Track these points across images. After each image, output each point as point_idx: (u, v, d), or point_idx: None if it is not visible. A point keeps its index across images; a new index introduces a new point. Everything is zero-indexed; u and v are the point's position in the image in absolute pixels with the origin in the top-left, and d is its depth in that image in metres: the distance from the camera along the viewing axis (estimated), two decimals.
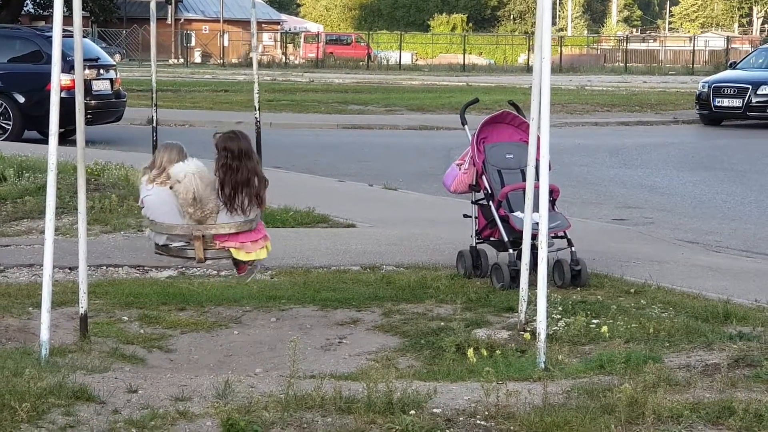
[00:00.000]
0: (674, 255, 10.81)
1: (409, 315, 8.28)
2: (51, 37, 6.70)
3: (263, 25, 75.05)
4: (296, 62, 71.06)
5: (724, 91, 28.32)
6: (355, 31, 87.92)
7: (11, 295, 8.46)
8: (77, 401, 5.47)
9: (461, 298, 8.59)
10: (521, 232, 8.05)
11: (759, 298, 8.53)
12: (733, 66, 32.21)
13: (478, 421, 5.42)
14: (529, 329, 7.32)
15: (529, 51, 63.52)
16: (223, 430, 5.17)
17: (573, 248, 9.07)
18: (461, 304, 8.44)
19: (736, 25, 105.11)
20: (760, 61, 30.47)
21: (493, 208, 9.25)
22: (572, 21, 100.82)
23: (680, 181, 17.52)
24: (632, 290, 8.77)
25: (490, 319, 8.03)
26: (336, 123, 27.34)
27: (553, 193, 8.88)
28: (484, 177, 9.36)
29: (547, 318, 6.75)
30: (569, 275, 8.96)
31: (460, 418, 5.44)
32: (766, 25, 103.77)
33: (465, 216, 9.66)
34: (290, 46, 76.68)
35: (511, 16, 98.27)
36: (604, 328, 7.32)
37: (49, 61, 8.82)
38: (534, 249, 7.32)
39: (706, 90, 28.69)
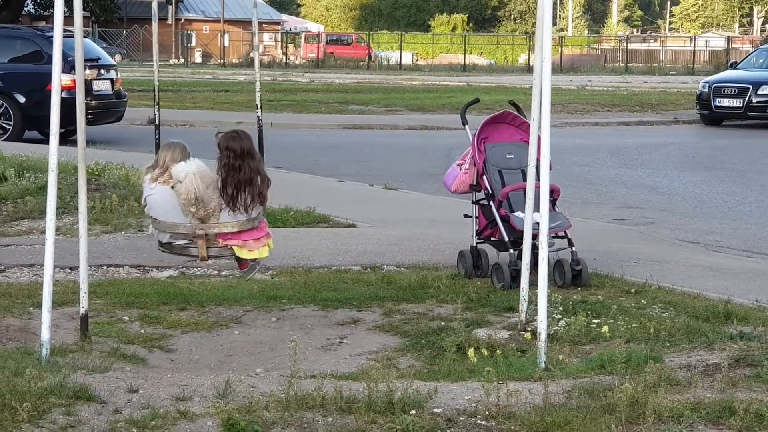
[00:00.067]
0: (675, 255, 10.81)
1: (410, 315, 8.28)
2: (51, 37, 6.71)
3: (264, 25, 75.04)
4: (297, 62, 71.09)
5: (724, 91, 28.32)
6: (355, 31, 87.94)
7: (12, 294, 8.46)
8: (78, 401, 5.48)
9: (462, 298, 8.59)
10: (522, 232, 8.05)
11: (760, 298, 8.53)
12: (733, 66, 32.21)
13: (478, 421, 5.42)
14: (529, 329, 7.32)
15: (529, 51, 63.52)
16: (224, 429, 5.18)
17: (573, 248, 9.07)
18: (462, 304, 8.44)
19: (736, 25, 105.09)
20: (761, 61, 30.47)
21: (493, 208, 9.25)
22: (573, 21, 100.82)
23: (681, 181, 17.52)
24: (633, 290, 8.77)
25: (490, 319, 8.03)
26: (336, 123, 27.35)
27: (553, 193, 8.88)
28: (484, 177, 9.37)
29: (548, 318, 6.75)
30: (570, 275, 8.96)
31: (461, 418, 5.45)
32: (766, 25, 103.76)
33: (465, 216, 9.66)
34: (291, 46, 76.73)
35: (512, 16, 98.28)
36: (605, 328, 7.32)
37: (49, 61, 8.78)
38: (535, 249, 7.32)
39: (706, 90, 28.69)
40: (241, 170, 8.01)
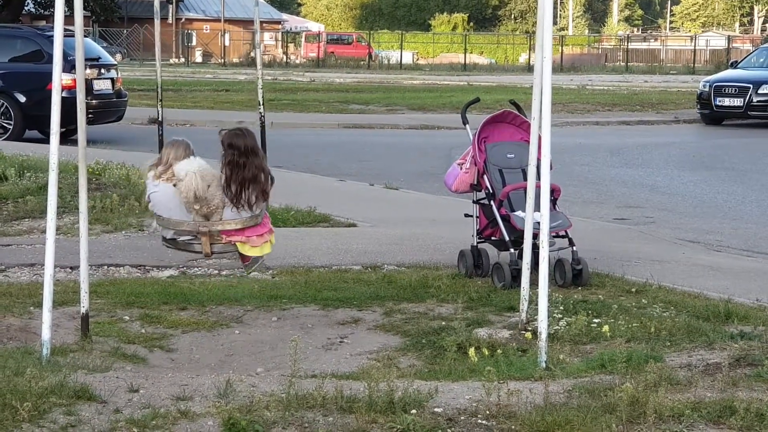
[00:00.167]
0: (675, 254, 10.81)
1: (411, 314, 8.28)
2: (52, 36, 6.72)
3: (264, 24, 75.02)
4: (297, 62, 71.10)
5: (725, 90, 28.32)
6: (356, 30, 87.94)
7: (13, 294, 8.46)
8: (78, 401, 5.48)
9: (462, 297, 8.59)
10: (522, 232, 8.05)
11: (760, 298, 8.53)
12: (734, 65, 32.21)
13: (479, 421, 5.42)
14: (530, 328, 7.32)
15: (530, 50, 63.52)
16: (225, 429, 5.18)
17: (574, 247, 9.07)
18: (462, 304, 8.44)
19: (737, 24, 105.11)
20: (761, 60, 30.47)
21: (494, 208, 9.25)
22: (573, 20, 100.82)
23: (681, 180, 17.52)
24: (633, 290, 8.77)
25: (491, 319, 8.03)
26: (337, 122, 27.35)
27: (554, 192, 8.88)
28: (485, 176, 9.36)
29: (549, 317, 6.75)
30: (570, 275, 8.96)
31: (462, 418, 5.45)
32: (767, 25, 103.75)
33: (466, 215, 9.66)
34: (291, 46, 76.73)
35: (512, 16, 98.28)
36: (606, 328, 7.32)
37: (50, 61, 8.82)
38: (535, 248, 7.32)
39: (707, 89, 28.69)
40: (245, 167, 8.05)
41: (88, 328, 7.37)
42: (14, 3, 43.31)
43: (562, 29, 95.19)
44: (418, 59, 74.32)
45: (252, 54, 64.63)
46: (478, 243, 9.46)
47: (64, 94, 6.87)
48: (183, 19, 77.55)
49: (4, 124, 20.28)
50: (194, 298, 8.59)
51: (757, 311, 8.00)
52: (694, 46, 71.26)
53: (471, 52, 71.24)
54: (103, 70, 21.39)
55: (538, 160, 7.06)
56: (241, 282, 9.15)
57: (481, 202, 9.46)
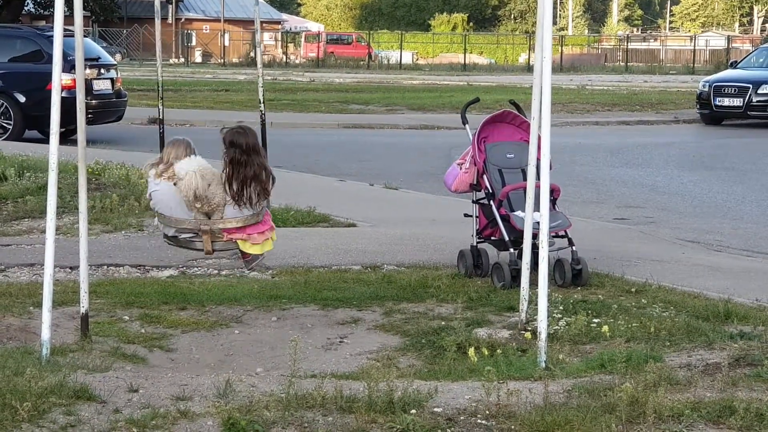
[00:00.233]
0: (675, 254, 10.81)
1: (410, 314, 8.28)
2: (52, 36, 6.72)
3: (264, 24, 75.00)
4: (297, 62, 71.11)
5: (724, 90, 28.32)
6: (355, 30, 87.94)
7: (12, 294, 8.46)
8: (78, 401, 5.48)
9: (462, 297, 8.59)
10: (522, 232, 8.05)
11: (760, 298, 8.53)
12: (733, 65, 32.22)
13: (479, 420, 5.42)
14: (530, 328, 7.32)
15: (529, 50, 63.52)
16: (224, 429, 5.18)
17: (574, 247, 9.07)
18: (462, 304, 8.44)
19: (736, 24, 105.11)
20: (761, 60, 30.47)
21: (493, 208, 9.25)
22: (573, 20, 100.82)
23: (681, 180, 17.52)
24: (633, 289, 8.77)
25: (491, 319, 8.03)
26: (337, 122, 27.36)
27: (553, 192, 8.88)
28: (484, 176, 9.36)
29: (548, 317, 6.75)
30: (570, 274, 8.96)
31: (461, 417, 5.45)
32: (766, 25, 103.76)
33: (466, 215, 9.66)
34: (291, 46, 76.73)
35: (512, 16, 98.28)
36: (605, 328, 7.32)
37: (49, 61, 8.81)
38: (535, 248, 7.32)
39: (706, 89, 28.69)
40: (247, 166, 8.08)
41: (88, 328, 7.37)
42: (14, 3, 43.32)
43: (562, 29, 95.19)
44: (417, 59, 74.32)
45: (252, 54, 64.66)
46: (477, 243, 9.46)
47: (63, 94, 6.87)
48: (183, 19, 77.55)
49: (4, 124, 20.28)
50: (194, 298, 8.59)
51: (756, 311, 8.00)
52: (694, 46, 71.27)
53: (471, 52, 71.24)
54: (102, 70, 21.39)
55: (538, 160, 7.06)
56: (240, 282, 9.15)
57: (481, 202, 9.46)
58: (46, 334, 6.48)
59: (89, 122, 17.54)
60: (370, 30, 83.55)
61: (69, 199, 11.85)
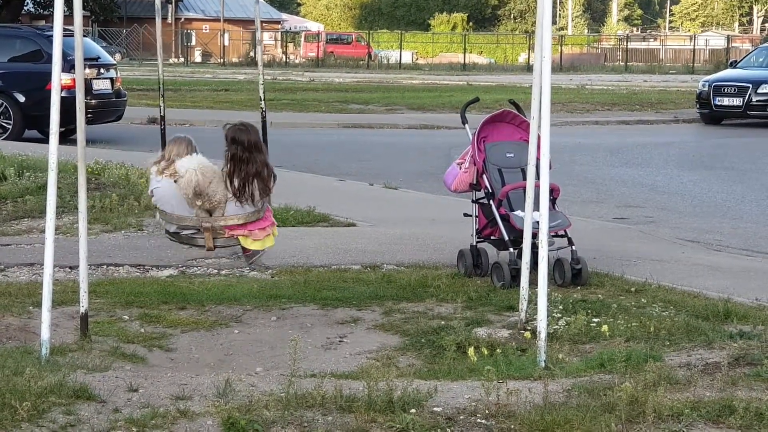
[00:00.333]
0: (675, 254, 10.81)
1: (410, 314, 8.28)
2: (51, 36, 6.72)
3: (264, 24, 74.85)
4: (297, 61, 71.11)
5: (724, 90, 28.32)
6: (355, 30, 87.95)
7: (12, 294, 8.46)
8: (78, 400, 5.47)
9: (462, 297, 8.59)
10: (522, 231, 8.05)
11: (759, 297, 8.53)
12: (733, 65, 32.22)
13: (478, 420, 5.42)
14: (529, 328, 7.32)
15: (529, 50, 63.52)
16: (224, 429, 5.18)
17: (573, 247, 9.07)
18: (462, 303, 8.44)
19: (736, 24, 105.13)
20: (761, 60, 30.47)
21: (493, 207, 9.25)
22: (573, 20, 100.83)
23: (681, 180, 17.52)
24: (633, 289, 8.77)
25: (490, 318, 8.03)
26: (336, 122, 27.36)
27: (553, 191, 8.87)
28: (484, 176, 9.36)
29: (548, 317, 6.75)
30: (570, 274, 8.96)
31: (461, 417, 5.44)
32: (766, 24, 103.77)
33: (465, 215, 9.66)
34: (291, 46, 76.72)
35: (512, 15, 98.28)
36: (605, 327, 7.32)
37: (49, 61, 8.83)
38: (534, 248, 7.32)
39: (706, 89, 28.69)
40: (249, 163, 8.11)
41: (88, 327, 7.37)
42: (14, 3, 43.31)
43: (562, 29, 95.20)
44: (417, 59, 74.33)
45: (251, 54, 64.69)
46: (477, 242, 9.46)
47: (63, 94, 6.88)
48: (182, 19, 77.56)
49: (4, 124, 20.29)
50: (193, 297, 8.59)
51: (756, 310, 8.00)
52: (694, 45, 71.26)
53: (470, 52, 71.23)
54: (102, 70, 21.39)
55: (538, 159, 7.06)
56: (240, 281, 9.15)
57: (481, 201, 9.46)
58: (45, 333, 6.48)
59: (89, 122, 17.55)
60: (370, 30, 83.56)
61: (69, 198, 11.85)
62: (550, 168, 6.76)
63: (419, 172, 17.55)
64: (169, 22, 72.91)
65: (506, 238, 9.11)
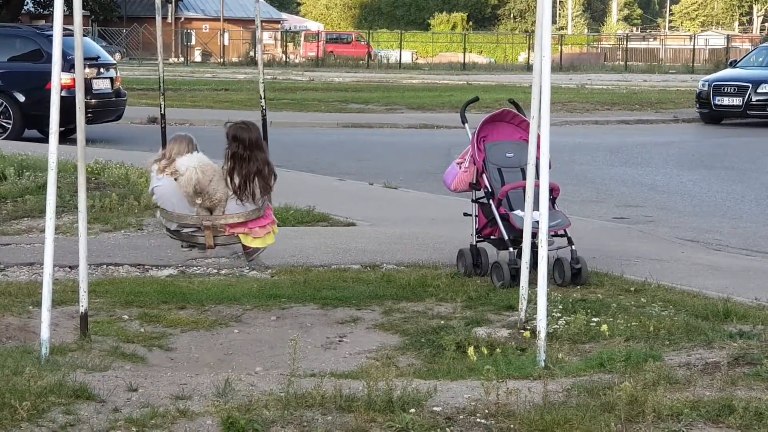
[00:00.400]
0: (674, 253, 10.81)
1: (410, 313, 8.28)
2: (51, 35, 6.71)
3: (264, 23, 74.78)
4: (296, 61, 71.10)
5: (724, 89, 28.32)
6: (355, 29, 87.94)
7: (11, 293, 8.46)
8: (77, 400, 5.47)
9: (461, 296, 8.59)
10: (521, 231, 8.05)
11: (759, 297, 8.52)
12: (733, 64, 32.21)
13: (478, 420, 5.42)
14: (529, 327, 7.32)
15: (529, 50, 63.51)
16: (224, 428, 5.18)
17: (573, 247, 9.07)
18: (461, 303, 8.44)
19: (736, 23, 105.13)
20: (760, 59, 30.46)
21: (493, 207, 9.25)
22: (572, 20, 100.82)
23: (680, 179, 17.52)
24: (632, 289, 8.77)
25: (490, 318, 8.03)
26: (336, 122, 27.36)
27: (553, 191, 8.88)
28: (484, 175, 9.36)
29: (548, 316, 6.75)
30: (569, 274, 8.96)
31: (461, 417, 5.44)
32: (766, 24, 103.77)
33: (465, 214, 9.66)
34: (290, 45, 76.71)
35: (512, 15, 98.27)
36: (604, 327, 7.32)
37: (49, 60, 8.84)
38: (534, 247, 7.32)
39: (706, 88, 28.69)
40: (249, 161, 8.13)
41: (87, 327, 7.37)
42: (13, 2, 43.30)
43: (561, 28, 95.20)
44: (417, 58, 74.32)
45: (251, 53, 64.66)
46: (477, 242, 9.46)
47: (63, 94, 6.87)
48: (182, 19, 77.55)
49: (4, 124, 20.29)
50: (193, 297, 8.59)
51: (756, 310, 8.00)
52: (693, 45, 71.25)
53: (470, 52, 71.22)
54: (102, 70, 21.39)
55: (537, 159, 7.06)
56: (240, 281, 9.15)
57: (480, 201, 9.46)
58: (45, 333, 6.48)
59: (89, 121, 17.55)
60: (370, 29, 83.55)
61: (68, 198, 11.85)
62: (550, 167, 6.77)
63: (419, 172, 17.55)
64: (169, 21, 72.89)
65: (506, 237, 9.11)
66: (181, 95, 34.03)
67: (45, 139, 7.75)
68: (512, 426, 5.33)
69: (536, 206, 7.18)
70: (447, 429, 5.30)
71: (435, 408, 5.52)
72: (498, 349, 7.02)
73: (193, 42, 75.56)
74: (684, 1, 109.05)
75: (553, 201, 8.95)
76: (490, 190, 9.31)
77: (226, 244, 8.57)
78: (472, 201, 9.55)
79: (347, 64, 66.22)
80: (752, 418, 5.36)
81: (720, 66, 48.70)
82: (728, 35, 77.01)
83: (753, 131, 26.88)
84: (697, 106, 29.24)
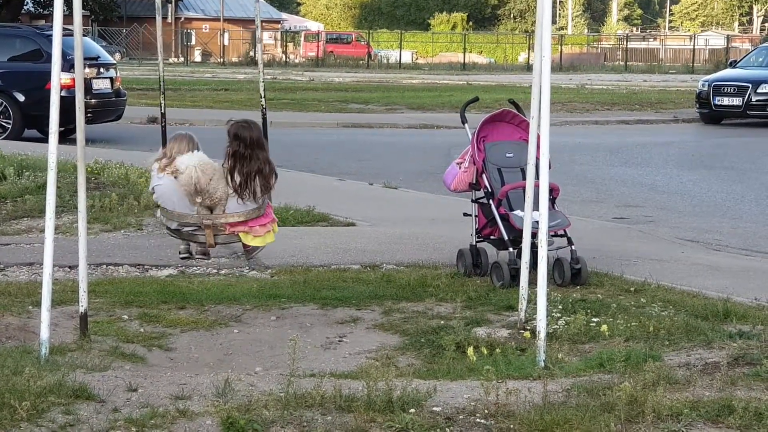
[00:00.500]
0: (674, 253, 10.81)
1: (409, 313, 8.28)
2: (51, 35, 6.71)
3: (264, 23, 74.75)
4: (296, 61, 71.10)
5: (724, 89, 28.32)
6: (355, 29, 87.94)
7: (11, 293, 8.46)
8: (77, 400, 5.47)
9: (461, 296, 8.59)
10: (521, 231, 8.05)
11: (759, 297, 8.52)
12: (733, 65, 32.22)
13: (477, 420, 5.42)
14: (529, 328, 7.32)
15: (529, 50, 63.51)
16: (223, 428, 5.18)
17: (573, 247, 9.07)
18: (461, 303, 8.44)
19: (736, 23, 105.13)
20: (760, 59, 30.47)
21: (493, 207, 9.25)
22: (572, 20, 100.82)
23: (680, 179, 17.52)
24: (632, 289, 8.77)
25: (490, 318, 8.03)
26: (336, 122, 27.36)
27: (553, 191, 8.88)
28: (484, 175, 9.36)
29: (547, 316, 6.75)
30: (569, 274, 8.96)
31: (460, 417, 5.44)
32: (766, 24, 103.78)
33: (465, 215, 9.66)
34: (290, 45, 76.72)
35: (512, 15, 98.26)
36: (604, 327, 7.32)
37: (49, 60, 8.85)
38: (534, 247, 7.31)
39: (706, 89, 28.69)
40: (250, 160, 8.14)
41: (87, 327, 7.37)
42: (13, 2, 43.30)
43: (561, 28, 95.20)
44: (417, 58, 74.32)
45: (251, 53, 64.67)
46: (477, 242, 9.46)
47: (63, 94, 6.88)
48: (182, 19, 77.55)
49: (4, 124, 20.28)
50: (193, 297, 8.59)
51: (755, 310, 8.00)
52: (693, 45, 71.25)
53: (470, 52, 71.22)
54: (102, 70, 21.39)
55: (537, 159, 7.06)
56: (239, 281, 9.15)
57: (480, 201, 9.46)
58: (45, 333, 6.48)
59: (88, 121, 17.55)
60: (370, 29, 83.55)
61: (68, 198, 11.85)
62: (550, 167, 6.77)
63: (419, 172, 17.55)
64: (169, 21, 72.90)
65: (506, 237, 9.11)
66: (181, 95, 34.03)
67: (45, 139, 7.74)
68: (512, 426, 5.33)
69: (536, 206, 7.18)
70: (447, 429, 5.30)
71: (435, 408, 5.52)
72: (498, 350, 7.02)
73: (193, 42, 75.56)
74: (684, 2, 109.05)
75: (553, 201, 8.95)
76: (489, 190, 9.31)
77: (226, 243, 8.58)
78: (472, 201, 9.55)
79: (347, 64, 66.22)
80: (752, 418, 5.36)
81: (720, 66, 48.71)
82: (728, 35, 77.02)
83: (753, 131, 26.89)
84: (697, 106, 29.24)
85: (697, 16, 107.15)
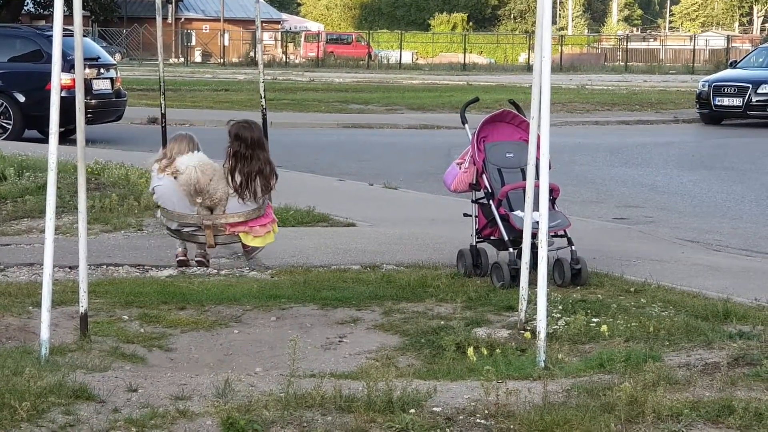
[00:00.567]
0: (674, 254, 10.81)
1: (410, 314, 8.28)
2: (51, 36, 6.71)
3: (264, 24, 74.79)
4: (297, 61, 71.12)
5: (724, 90, 28.33)
6: (355, 30, 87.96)
7: (11, 294, 8.45)
8: (77, 400, 5.47)
9: (461, 297, 8.59)
10: (521, 231, 8.05)
11: (759, 297, 8.52)
12: (733, 65, 32.23)
13: (478, 420, 5.42)
14: (529, 328, 7.32)
15: (529, 50, 63.53)
16: (223, 429, 5.18)
17: (573, 247, 9.07)
18: (461, 303, 8.44)
19: (736, 24, 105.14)
20: (761, 60, 30.47)
21: (493, 207, 9.25)
22: (573, 20, 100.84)
23: (680, 180, 17.52)
24: (632, 289, 8.77)
25: (490, 318, 8.03)
26: (336, 122, 27.37)
27: (553, 192, 8.87)
28: (484, 176, 9.36)
29: (547, 317, 6.75)
30: (569, 274, 8.96)
31: (460, 417, 5.45)
32: (766, 24, 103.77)
33: (465, 215, 9.66)
34: (291, 46, 76.74)
35: (512, 15, 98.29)
36: (604, 327, 7.32)
37: (49, 61, 8.86)
38: (534, 248, 7.31)
39: (706, 89, 28.70)
40: (251, 160, 8.16)
41: (87, 327, 7.37)
42: (14, 3, 43.33)
43: (562, 29, 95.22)
44: (417, 59, 74.33)
45: (251, 54, 64.68)
46: (477, 242, 9.46)
47: (63, 94, 6.88)
48: (182, 19, 77.57)
49: (4, 124, 20.29)
50: (193, 297, 8.58)
51: (755, 311, 8.00)
52: (694, 45, 71.26)
53: (470, 52, 71.24)
54: (102, 70, 21.40)
55: (537, 159, 7.06)
56: (240, 281, 9.15)
57: (480, 201, 9.46)
58: (45, 333, 6.48)
59: (89, 122, 17.56)
60: (370, 30, 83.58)
61: (68, 198, 11.85)
62: (550, 168, 6.77)
63: (419, 172, 17.55)
64: (169, 22, 72.92)
65: (506, 238, 9.11)
66: (182, 96, 34.03)
67: (45, 140, 7.75)
68: (512, 426, 5.33)
69: (536, 207, 7.18)
70: (447, 429, 5.30)
71: (435, 408, 5.52)
72: (498, 350, 7.02)
73: (194, 42, 75.60)
74: (684, 2, 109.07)
75: (553, 201, 8.95)
76: (490, 190, 9.31)
77: (226, 243, 8.60)
78: (472, 201, 9.55)
79: (347, 64, 66.24)
80: (752, 418, 5.36)
81: (720, 66, 48.72)
82: (728, 36, 77.03)
83: (753, 132, 26.89)
84: (698, 106, 29.25)
85: (697, 16, 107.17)
